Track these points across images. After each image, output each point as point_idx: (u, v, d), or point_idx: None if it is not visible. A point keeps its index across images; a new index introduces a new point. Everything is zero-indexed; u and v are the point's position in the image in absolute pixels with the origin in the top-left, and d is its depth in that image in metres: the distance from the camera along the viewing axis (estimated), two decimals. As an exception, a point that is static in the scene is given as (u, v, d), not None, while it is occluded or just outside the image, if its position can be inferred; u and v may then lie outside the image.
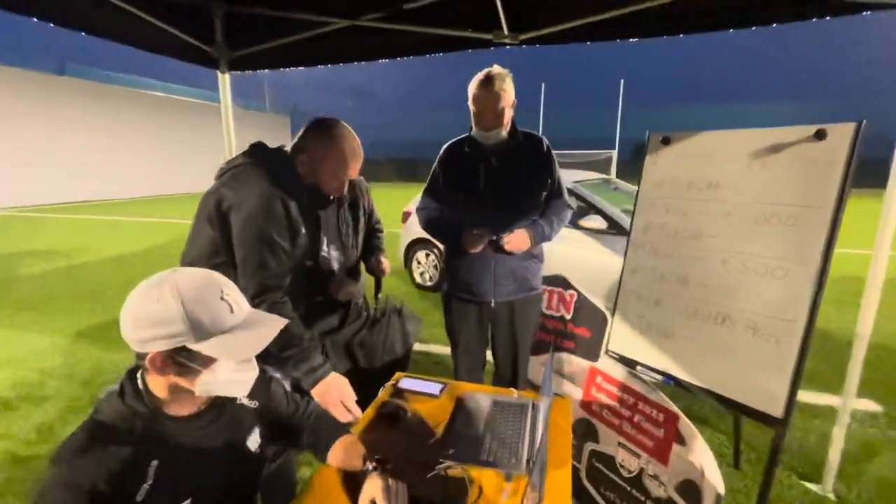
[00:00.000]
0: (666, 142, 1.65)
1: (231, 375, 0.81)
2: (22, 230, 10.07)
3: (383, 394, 1.42)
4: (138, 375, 0.81)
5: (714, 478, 1.37)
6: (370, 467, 0.97)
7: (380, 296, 1.84)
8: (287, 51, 2.34)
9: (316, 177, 1.38)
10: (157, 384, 0.79)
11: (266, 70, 2.53)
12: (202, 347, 0.76)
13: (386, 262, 1.83)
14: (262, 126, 26.66)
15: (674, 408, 1.51)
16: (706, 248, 1.50)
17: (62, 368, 3.18)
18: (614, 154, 22.06)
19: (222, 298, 0.79)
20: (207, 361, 0.78)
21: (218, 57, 2.33)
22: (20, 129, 14.87)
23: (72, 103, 16.39)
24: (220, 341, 0.77)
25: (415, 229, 4.79)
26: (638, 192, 1.75)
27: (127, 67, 20.11)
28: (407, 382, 1.47)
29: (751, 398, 1.38)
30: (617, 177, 4.96)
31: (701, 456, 1.41)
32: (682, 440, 1.48)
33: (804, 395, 2.76)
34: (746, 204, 1.41)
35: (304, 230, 1.55)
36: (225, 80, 2.38)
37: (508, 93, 1.64)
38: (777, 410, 1.31)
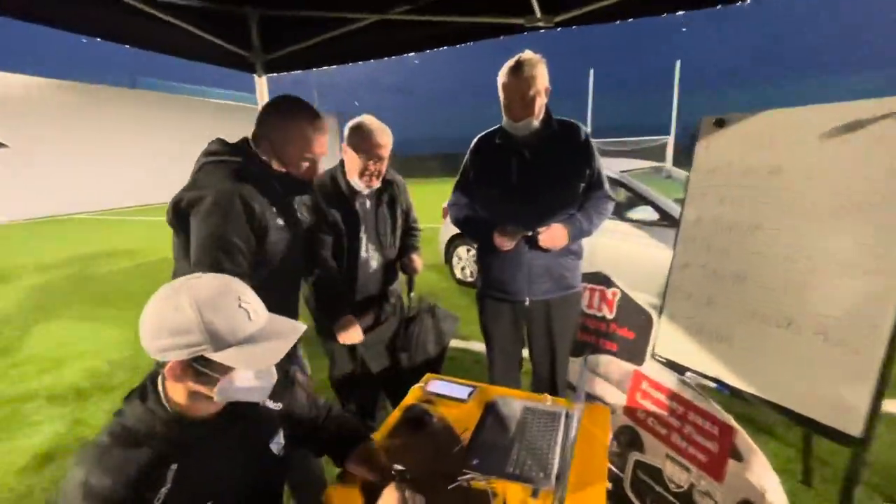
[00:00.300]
0: (720, 124, 1.48)
1: (250, 382, 0.81)
2: (102, 232, 11.10)
3: (411, 396, 1.39)
4: (159, 379, 0.82)
5: (777, 501, 1.21)
6: (389, 476, 0.94)
7: (412, 294, 1.81)
8: (319, 50, 2.35)
9: (283, 162, 1.30)
10: (176, 390, 0.80)
11: (306, 70, 2.57)
12: (220, 357, 0.75)
13: (418, 261, 1.82)
14: (312, 127, 27.74)
15: (730, 420, 1.36)
16: (767, 242, 1.33)
17: (130, 360, 3.45)
18: (670, 140, 20.79)
19: (240, 306, 0.79)
20: (226, 369, 0.78)
21: (254, 61, 2.39)
22: (99, 140, 16.35)
23: (143, 113, 17.83)
24: (239, 350, 0.76)
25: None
26: (688, 181, 1.59)
27: (191, 78, 21.61)
28: (436, 385, 1.43)
29: (822, 413, 1.21)
30: (673, 164, 4.63)
31: (762, 475, 1.26)
32: (738, 456, 1.33)
33: (889, 405, 2.43)
34: (815, 192, 1.23)
35: (339, 225, 1.61)
36: (262, 82, 2.44)
37: (540, 79, 1.54)
38: (855, 428, 1.13)
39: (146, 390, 0.81)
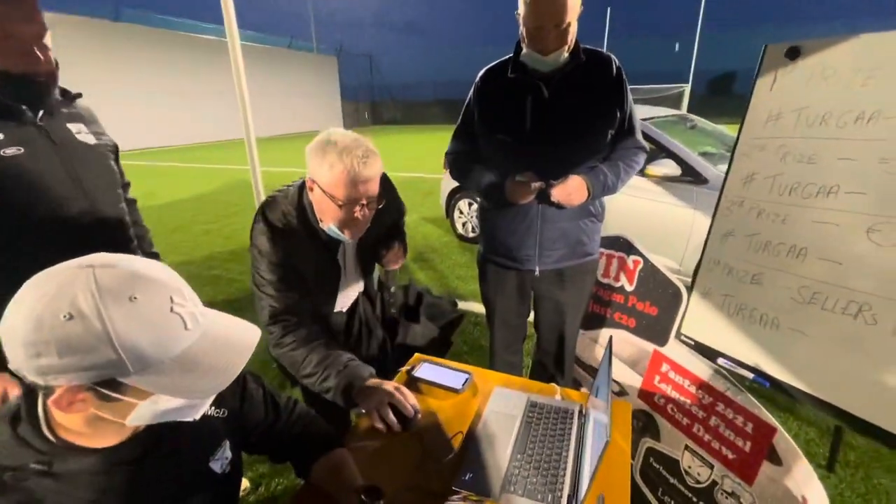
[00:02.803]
0: (793, 55, 1.16)
1: (180, 401, 0.58)
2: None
3: (396, 382, 1.19)
4: (39, 396, 0.59)
5: (821, 514, 1.04)
6: (358, 500, 0.74)
7: (393, 289, 1.47)
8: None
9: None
10: (69, 417, 0.57)
11: None
12: (141, 382, 0.53)
13: (392, 253, 1.36)
14: (309, 68, 26.28)
15: (769, 418, 1.16)
16: (844, 208, 1.06)
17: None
18: (686, 88, 19.64)
19: (173, 310, 0.55)
20: (146, 394, 0.55)
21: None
22: (78, 78, 15.45)
23: (128, 50, 16.73)
24: (171, 372, 0.54)
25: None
26: (740, 129, 1.29)
27: (180, 11, 20.16)
28: (425, 369, 1.22)
29: (890, 420, 1.00)
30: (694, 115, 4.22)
31: (804, 485, 1.07)
32: (777, 459, 1.14)
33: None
34: (922, 145, 0.95)
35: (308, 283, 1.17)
36: (228, 3, 2.05)
37: (576, 0, 1.21)
38: (934, 443, 0.93)
39: (19, 412, 0.59)
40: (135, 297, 0.53)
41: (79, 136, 1.05)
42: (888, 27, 1.01)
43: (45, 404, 0.58)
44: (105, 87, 15.24)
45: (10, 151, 0.90)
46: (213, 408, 0.77)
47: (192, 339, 0.57)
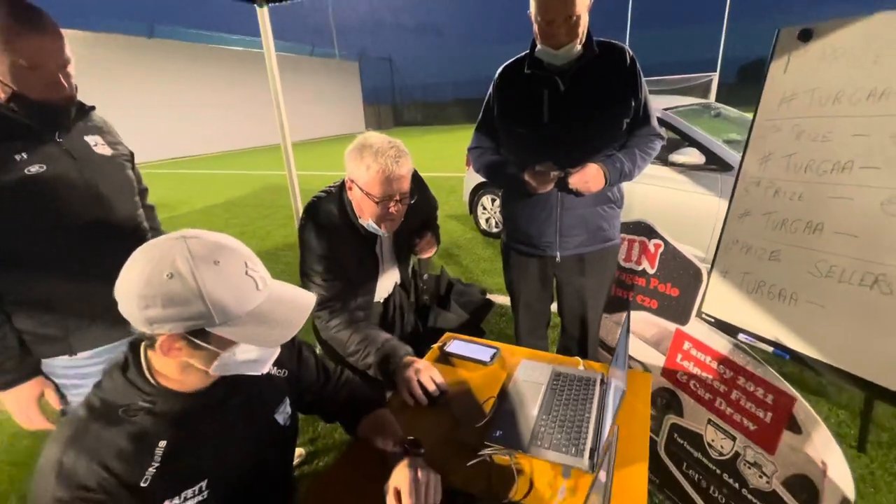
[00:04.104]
0: (806, 37, 1.20)
1: (253, 354, 0.70)
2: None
3: (429, 357, 1.29)
4: (142, 348, 0.72)
5: (841, 478, 1.08)
6: (399, 451, 0.84)
7: (425, 276, 1.59)
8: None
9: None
10: (165, 363, 0.70)
11: (321, 3, 2.31)
12: (225, 331, 0.65)
13: (425, 242, 1.48)
14: (332, 74, 26.82)
15: (789, 388, 1.20)
16: (859, 183, 1.09)
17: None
18: (714, 77, 19.06)
19: (247, 273, 0.67)
20: (228, 343, 0.67)
21: (255, -12, 2.14)
22: (116, 92, 16.21)
23: (161, 64, 17.53)
24: (246, 325, 0.66)
25: (480, 172, 4.50)
26: (756, 112, 1.33)
27: (209, 24, 20.97)
28: (456, 345, 1.32)
29: (908, 386, 1.03)
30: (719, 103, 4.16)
31: (824, 450, 1.11)
32: (797, 427, 1.18)
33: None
34: (933, 118, 0.98)
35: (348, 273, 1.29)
36: (264, 14, 2.20)
37: None
38: (951, 406, 0.96)
39: (127, 361, 0.72)
40: (218, 262, 0.64)
41: (96, 149, 1.11)
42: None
43: (146, 355, 0.71)
44: (138, 100, 16.03)
45: (34, 170, 0.97)
46: (275, 368, 0.88)
47: (261, 299, 0.68)
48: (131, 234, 1.17)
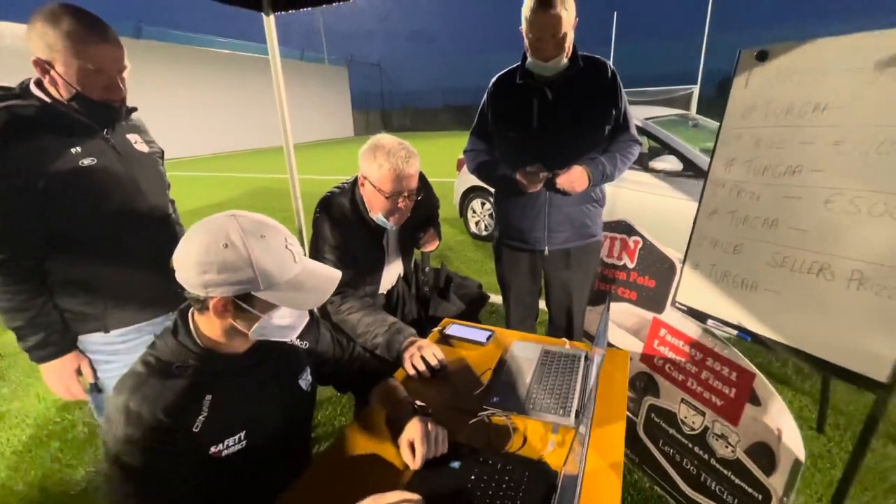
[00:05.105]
0: (762, 57, 1.37)
1: (285, 321, 0.82)
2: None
3: (430, 339, 1.41)
4: (189, 314, 0.83)
5: (793, 442, 1.23)
6: (409, 411, 0.96)
7: (427, 269, 1.72)
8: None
9: (76, 84, 1.08)
10: (212, 326, 0.81)
11: (316, 7, 2.41)
12: (268, 296, 0.76)
13: (428, 236, 1.64)
14: (321, 79, 26.88)
15: (750, 366, 1.35)
16: (806, 184, 1.26)
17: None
18: (695, 89, 19.71)
19: (286, 247, 0.79)
20: (268, 308, 0.78)
21: (261, -3, 2.26)
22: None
23: (150, 66, 17.41)
24: (285, 290, 0.77)
25: (470, 177, 4.63)
26: (721, 123, 1.50)
27: (198, 27, 20.89)
28: (454, 329, 1.45)
29: (848, 359, 1.19)
30: (698, 115, 4.41)
31: (778, 418, 1.27)
32: (756, 400, 1.33)
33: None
34: (865, 128, 1.14)
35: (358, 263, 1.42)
36: (270, 22, 2.32)
37: (570, 13, 1.43)
38: (881, 374, 1.12)
39: (177, 326, 0.83)
40: (264, 236, 0.76)
41: (136, 146, 1.22)
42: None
43: (194, 320, 0.82)
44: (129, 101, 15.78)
45: (87, 162, 1.08)
46: (298, 339, 1.00)
47: (298, 270, 0.80)
48: (164, 224, 1.29)
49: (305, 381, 1.00)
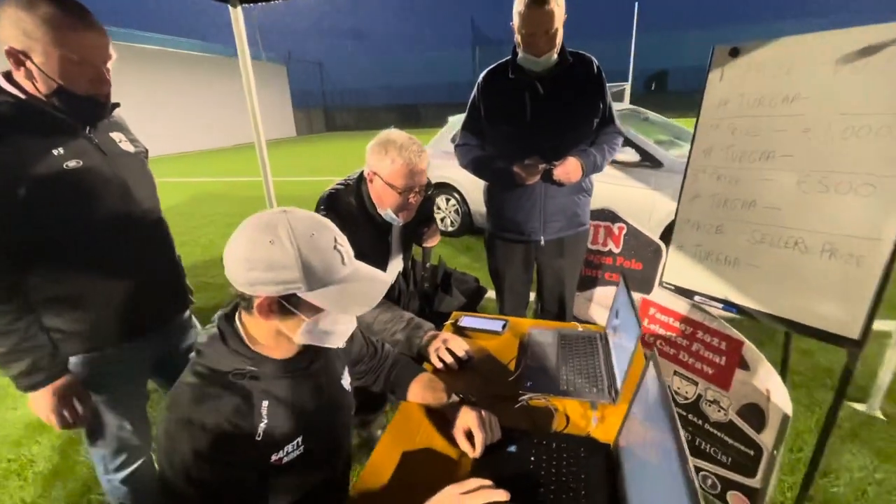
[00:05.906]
0: (735, 53, 1.50)
1: (332, 326, 0.78)
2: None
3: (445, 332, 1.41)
4: (237, 319, 0.78)
5: (780, 399, 1.37)
6: (457, 399, 0.97)
7: (428, 265, 1.72)
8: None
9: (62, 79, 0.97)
10: (260, 328, 0.76)
11: (262, 3, 2.32)
12: (313, 297, 0.72)
13: (431, 231, 1.63)
14: (259, 77, 25.58)
15: (737, 335, 1.49)
16: (779, 168, 1.40)
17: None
18: (627, 87, 20.99)
19: (335, 248, 0.75)
20: (313, 311, 0.74)
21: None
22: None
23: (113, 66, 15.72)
24: (332, 292, 0.73)
25: (433, 174, 4.66)
26: (698, 116, 1.63)
27: (161, 27, 19.17)
28: (467, 320, 1.46)
29: (825, 322, 1.34)
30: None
31: (766, 379, 1.40)
32: (745, 366, 1.47)
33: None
34: (829, 116, 1.29)
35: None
36: (238, 14, 2.19)
37: (561, 8, 1.49)
38: (854, 332, 1.27)
39: (224, 333, 0.77)
40: (313, 235, 0.73)
41: (121, 145, 1.12)
42: (804, 25, 1.36)
43: (242, 324, 0.77)
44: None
45: (72, 164, 0.98)
46: None
47: (346, 272, 0.77)
48: (156, 229, 1.18)
49: (346, 380, 0.97)
